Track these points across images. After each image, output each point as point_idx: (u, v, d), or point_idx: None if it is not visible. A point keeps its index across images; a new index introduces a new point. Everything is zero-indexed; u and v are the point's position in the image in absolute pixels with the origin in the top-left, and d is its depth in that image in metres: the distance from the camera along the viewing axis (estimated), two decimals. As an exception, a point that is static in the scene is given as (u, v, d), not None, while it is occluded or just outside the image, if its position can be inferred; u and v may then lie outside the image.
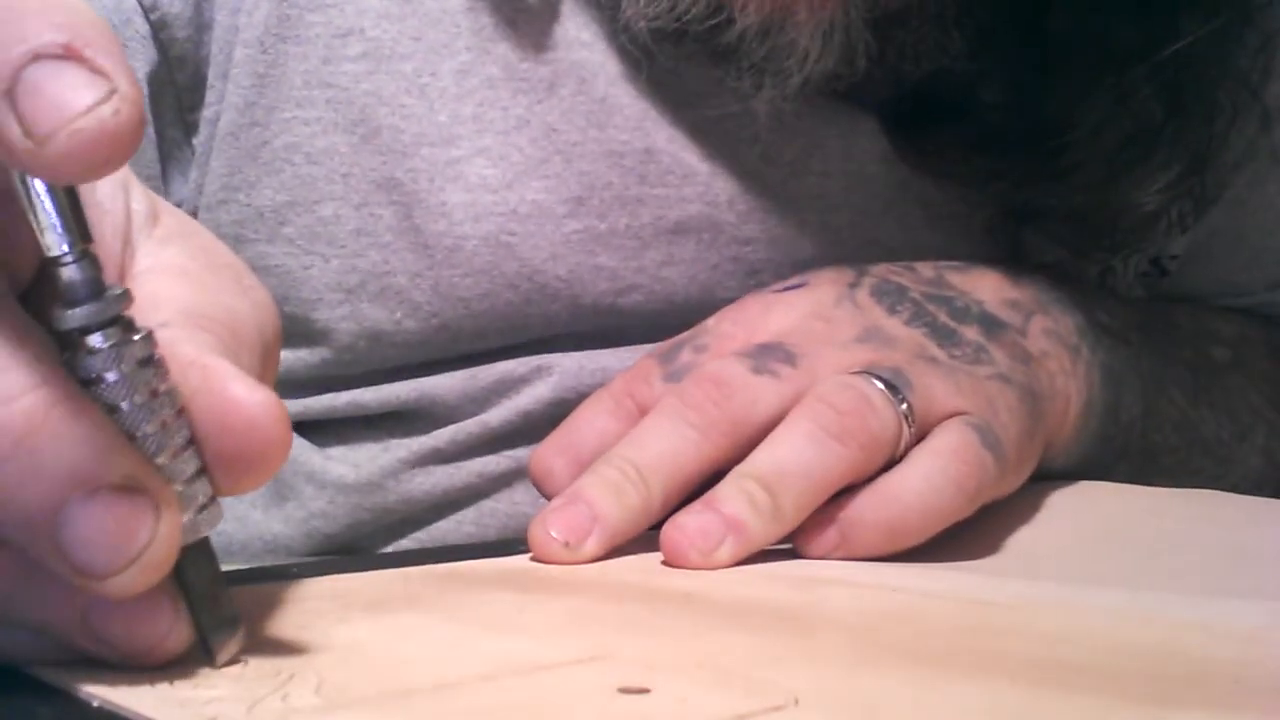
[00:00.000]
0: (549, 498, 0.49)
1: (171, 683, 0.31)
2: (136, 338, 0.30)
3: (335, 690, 0.30)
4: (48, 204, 0.29)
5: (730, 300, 0.55)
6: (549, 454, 0.51)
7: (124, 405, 0.30)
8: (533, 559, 0.45)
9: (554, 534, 0.45)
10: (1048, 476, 0.56)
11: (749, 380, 0.48)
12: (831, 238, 0.59)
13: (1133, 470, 0.61)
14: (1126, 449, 0.61)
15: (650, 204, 0.58)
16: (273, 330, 0.36)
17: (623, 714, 0.30)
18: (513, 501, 0.59)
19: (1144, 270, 0.69)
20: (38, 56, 0.27)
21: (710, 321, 0.54)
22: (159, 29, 0.56)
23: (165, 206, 0.36)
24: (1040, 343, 0.56)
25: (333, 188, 0.57)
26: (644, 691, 0.31)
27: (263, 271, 0.56)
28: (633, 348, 0.58)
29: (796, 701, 0.30)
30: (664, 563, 0.45)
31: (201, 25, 0.57)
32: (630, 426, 0.49)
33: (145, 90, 0.55)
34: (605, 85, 0.57)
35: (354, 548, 0.59)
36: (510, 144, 0.57)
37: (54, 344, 0.30)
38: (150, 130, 0.56)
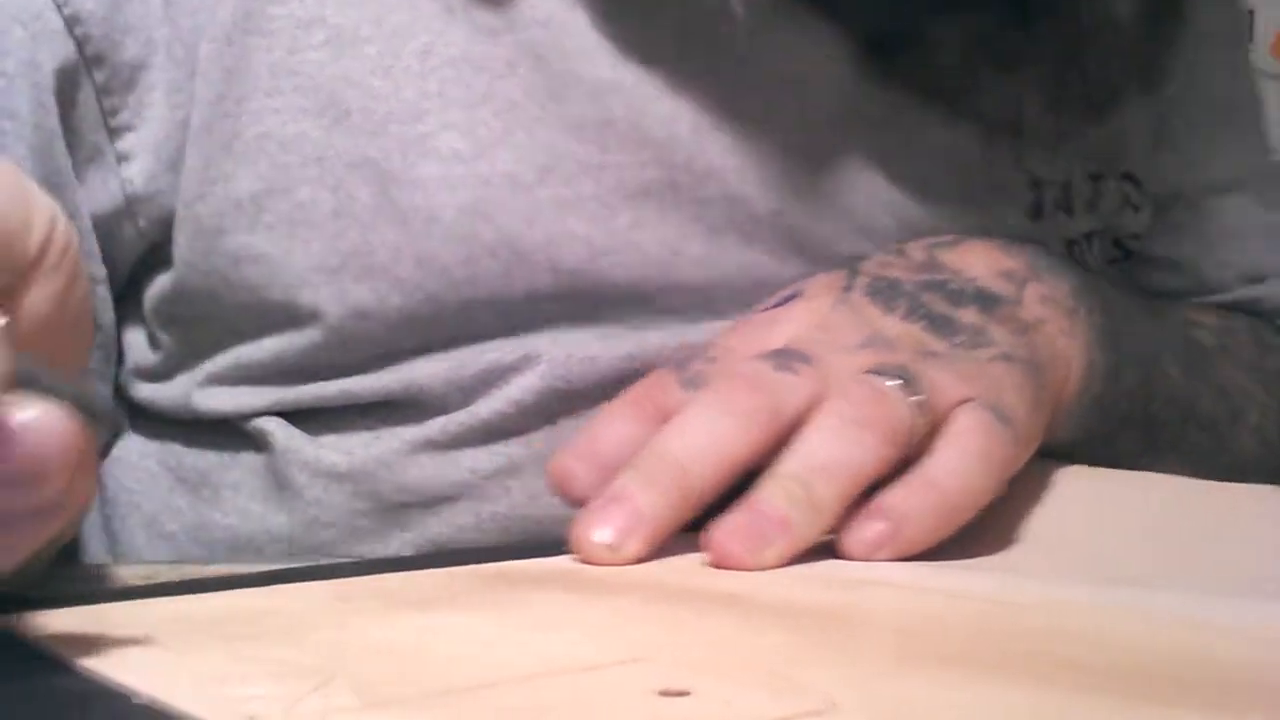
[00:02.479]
0: (571, 501, 0.49)
1: (212, 680, 0.31)
2: None
3: (375, 690, 0.31)
4: None
5: (699, 261, 0.58)
6: (569, 459, 0.51)
7: None
8: (576, 560, 0.45)
9: (596, 534, 0.45)
10: (1051, 454, 0.55)
11: (776, 375, 0.49)
12: (794, 192, 0.60)
13: (1136, 441, 0.61)
14: (1130, 417, 0.61)
15: (611, 170, 0.58)
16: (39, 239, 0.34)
17: (661, 716, 0.30)
18: (511, 504, 0.59)
19: (1112, 258, 0.69)
20: None
21: (717, 340, 0.55)
22: (72, 24, 0.57)
23: None
24: (1036, 310, 0.56)
25: (307, 172, 0.57)
26: (684, 694, 0.31)
27: (247, 261, 0.57)
28: (618, 330, 0.58)
29: (835, 705, 0.30)
30: (707, 565, 0.45)
31: (118, 27, 0.57)
32: (652, 429, 0.49)
33: (53, 84, 0.56)
34: (561, 61, 0.58)
35: (355, 541, 0.59)
36: (476, 119, 0.58)
37: None
38: (55, 124, 0.57)
